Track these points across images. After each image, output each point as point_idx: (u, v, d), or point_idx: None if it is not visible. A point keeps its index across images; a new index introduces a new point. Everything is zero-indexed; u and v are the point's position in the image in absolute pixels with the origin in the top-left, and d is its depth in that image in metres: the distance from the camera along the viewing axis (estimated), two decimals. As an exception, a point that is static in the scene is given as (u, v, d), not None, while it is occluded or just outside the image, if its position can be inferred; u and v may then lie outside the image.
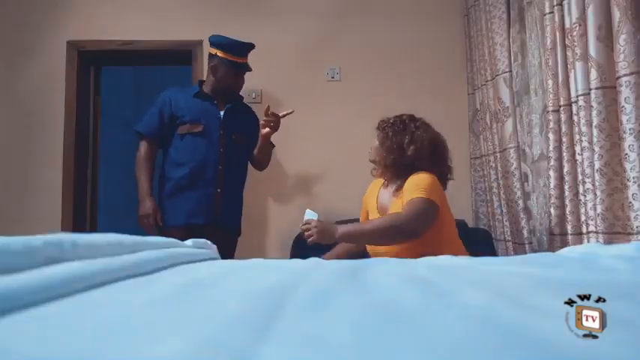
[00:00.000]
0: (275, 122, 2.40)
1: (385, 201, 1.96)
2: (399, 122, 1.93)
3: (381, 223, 1.74)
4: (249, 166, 2.75)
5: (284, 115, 2.41)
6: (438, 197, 1.78)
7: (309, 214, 1.84)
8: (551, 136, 2.12)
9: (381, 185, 2.02)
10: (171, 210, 2.46)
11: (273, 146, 2.70)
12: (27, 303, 0.49)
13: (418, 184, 1.78)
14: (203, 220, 2.42)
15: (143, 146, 2.53)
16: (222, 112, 2.54)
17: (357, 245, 1.97)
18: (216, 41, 2.60)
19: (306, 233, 1.76)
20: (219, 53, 2.57)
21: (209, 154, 2.45)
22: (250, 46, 2.63)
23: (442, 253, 1.63)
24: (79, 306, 0.53)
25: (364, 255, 1.94)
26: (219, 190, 2.46)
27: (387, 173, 1.93)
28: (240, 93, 2.74)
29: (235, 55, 2.57)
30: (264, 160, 2.69)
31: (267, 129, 2.40)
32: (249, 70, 2.66)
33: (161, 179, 2.53)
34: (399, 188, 1.87)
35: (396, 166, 1.88)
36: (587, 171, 1.88)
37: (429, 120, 1.79)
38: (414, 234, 1.72)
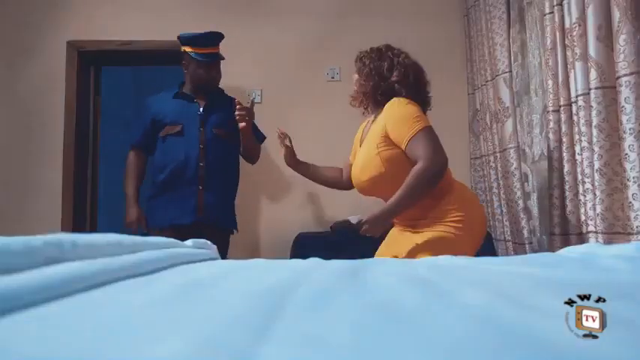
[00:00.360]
0: (248, 113, 2.40)
1: (366, 134, 1.94)
2: (375, 50, 1.92)
3: (410, 182, 1.69)
4: (248, 165, 2.75)
5: (252, 105, 2.42)
6: (424, 118, 1.77)
7: (354, 219, 1.87)
8: (551, 136, 2.12)
9: (367, 122, 2.02)
10: (155, 212, 2.49)
11: (261, 140, 2.71)
12: (27, 303, 0.49)
13: (405, 115, 1.74)
14: (188, 219, 2.40)
15: (130, 155, 2.61)
16: (202, 109, 2.54)
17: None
18: (183, 37, 2.62)
19: (367, 234, 1.75)
20: (187, 49, 2.59)
21: (189, 152, 2.45)
22: (215, 35, 2.62)
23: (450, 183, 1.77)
24: (79, 306, 0.53)
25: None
26: (200, 188, 2.44)
27: (366, 101, 1.90)
28: (240, 93, 2.74)
29: (201, 46, 2.57)
30: (252, 154, 2.67)
31: (243, 123, 2.39)
32: (219, 58, 2.63)
33: (151, 184, 2.57)
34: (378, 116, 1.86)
35: (376, 93, 1.86)
36: (587, 171, 1.88)
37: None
38: (444, 166, 1.70)
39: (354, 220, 1.84)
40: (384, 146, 1.76)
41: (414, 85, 1.87)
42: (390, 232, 1.95)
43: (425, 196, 1.72)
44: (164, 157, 2.48)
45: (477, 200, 1.96)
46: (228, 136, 2.55)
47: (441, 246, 1.70)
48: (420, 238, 1.77)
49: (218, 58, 2.62)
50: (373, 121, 1.91)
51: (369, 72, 1.87)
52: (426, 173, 1.67)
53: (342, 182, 2.18)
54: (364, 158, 1.85)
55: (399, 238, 1.87)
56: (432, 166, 1.67)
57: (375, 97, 1.87)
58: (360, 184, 1.88)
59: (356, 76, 1.94)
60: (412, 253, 1.74)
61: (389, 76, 1.85)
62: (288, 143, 2.17)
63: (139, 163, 2.59)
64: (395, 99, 1.79)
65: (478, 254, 1.56)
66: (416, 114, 1.74)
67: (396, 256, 1.76)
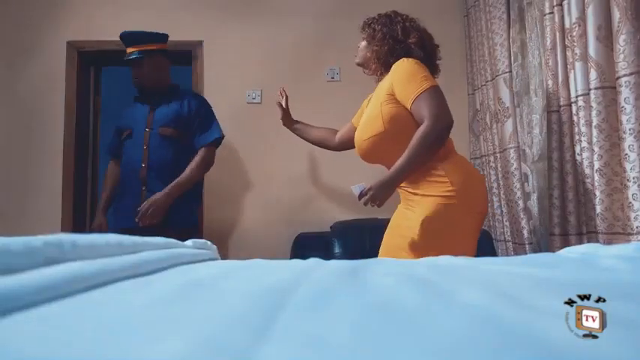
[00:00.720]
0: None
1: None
2: (384, 16, 1.92)
3: (415, 142, 1.68)
4: (248, 166, 2.75)
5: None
6: (431, 77, 1.75)
7: (357, 189, 1.84)
8: (551, 136, 2.12)
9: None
10: (110, 217, 2.57)
11: (213, 141, 2.57)
12: (27, 303, 0.49)
13: (412, 73, 1.73)
14: (132, 222, 2.34)
15: (109, 164, 2.72)
16: (149, 109, 2.54)
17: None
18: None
19: (371, 204, 1.74)
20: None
21: (134, 154, 2.46)
22: (132, 35, 2.57)
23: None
24: (80, 306, 0.53)
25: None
26: (143, 189, 2.42)
27: (381, 67, 1.88)
28: (240, 93, 2.73)
29: (126, 46, 2.58)
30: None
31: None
32: (131, 58, 2.53)
33: None
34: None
35: (391, 57, 1.85)
36: (587, 171, 1.88)
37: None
38: (449, 126, 1.69)
39: (356, 190, 1.82)
40: (387, 104, 1.76)
41: (429, 47, 1.89)
42: (394, 215, 1.92)
43: (430, 159, 1.71)
44: (122, 162, 2.55)
45: (476, 173, 1.91)
46: (176, 134, 2.49)
47: (436, 222, 1.68)
48: (415, 220, 1.72)
49: (136, 57, 2.52)
50: (378, 84, 1.91)
51: (383, 36, 1.86)
52: (433, 132, 1.66)
53: (331, 142, 2.24)
54: (367, 117, 1.85)
55: (398, 221, 1.85)
56: (437, 126, 1.66)
57: (388, 61, 1.85)
58: (361, 145, 1.87)
59: (364, 43, 1.94)
60: (412, 238, 1.70)
61: (404, 40, 1.85)
62: (283, 104, 2.29)
63: (112, 171, 2.67)
64: (404, 59, 1.79)
65: (478, 255, 1.55)
66: (423, 73, 1.73)
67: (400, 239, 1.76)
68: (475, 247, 1.75)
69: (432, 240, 1.69)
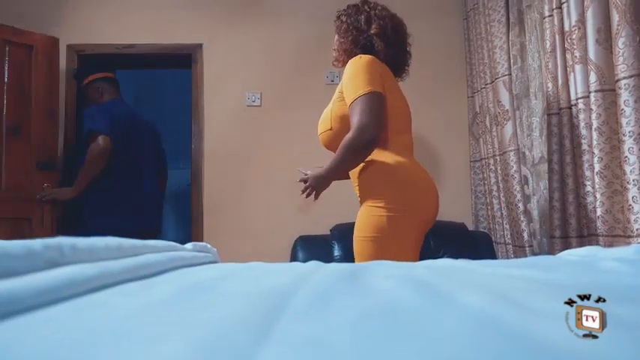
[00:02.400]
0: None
1: None
2: (352, 6, 1.88)
3: (339, 151, 1.66)
4: (246, 168, 2.74)
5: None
6: (379, 83, 1.68)
7: (303, 172, 1.89)
8: (551, 138, 2.12)
9: None
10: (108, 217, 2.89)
11: (86, 135, 2.89)
12: (27, 306, 0.49)
13: (355, 75, 1.68)
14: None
15: None
16: None
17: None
18: None
19: (306, 196, 1.79)
20: None
21: None
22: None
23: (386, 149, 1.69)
24: (80, 309, 0.53)
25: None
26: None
27: (347, 59, 1.81)
28: (240, 96, 2.73)
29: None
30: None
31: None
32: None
33: None
34: None
35: (355, 49, 1.81)
36: (587, 174, 1.88)
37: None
38: (372, 139, 1.62)
39: (301, 173, 1.87)
40: (338, 101, 1.75)
41: (393, 37, 1.81)
42: None
43: (358, 163, 1.71)
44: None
45: (421, 180, 1.75)
46: (86, 142, 2.83)
47: (366, 215, 1.69)
48: (360, 213, 1.75)
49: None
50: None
51: (347, 27, 1.83)
52: (355, 144, 1.63)
53: None
54: (323, 113, 1.85)
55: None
56: (360, 138, 1.62)
57: (353, 52, 1.81)
58: (319, 138, 1.88)
59: (336, 36, 1.91)
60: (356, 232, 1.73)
61: (366, 29, 1.80)
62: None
63: None
64: (358, 55, 1.74)
65: (478, 257, 1.55)
66: (367, 75, 1.66)
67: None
68: (414, 251, 1.71)
69: (359, 233, 1.71)
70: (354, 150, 1.64)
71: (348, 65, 1.74)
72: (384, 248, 1.64)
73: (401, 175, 1.71)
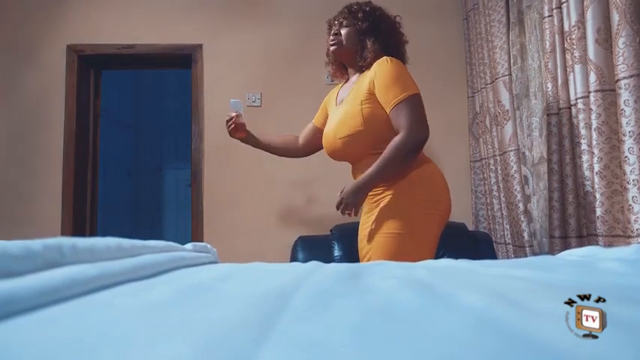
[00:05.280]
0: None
1: (346, 93, 1.90)
2: (377, 9, 1.88)
3: (388, 154, 1.66)
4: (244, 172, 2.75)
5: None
6: (415, 85, 1.72)
7: (234, 105, 1.89)
8: (550, 138, 2.12)
9: (341, 86, 1.99)
10: None
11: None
12: (27, 307, 0.49)
13: (395, 77, 1.69)
14: None
15: None
16: None
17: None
18: None
19: (347, 213, 1.73)
20: None
21: None
22: None
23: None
24: (80, 310, 0.53)
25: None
26: None
27: (374, 60, 1.79)
28: (240, 96, 2.73)
29: None
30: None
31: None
32: None
33: None
34: (363, 73, 1.82)
35: (371, 50, 1.80)
36: (587, 174, 1.88)
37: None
38: (424, 140, 1.67)
39: (235, 106, 1.92)
40: (368, 103, 1.72)
41: (400, 42, 1.87)
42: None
43: (403, 169, 1.70)
44: None
45: (440, 177, 1.82)
46: None
47: (393, 212, 1.69)
48: (375, 212, 1.75)
49: None
50: (356, 81, 1.86)
51: (383, 29, 1.83)
52: (407, 145, 1.64)
53: (296, 147, 2.16)
54: (343, 115, 1.79)
55: (364, 218, 1.86)
56: (413, 139, 1.64)
57: (380, 55, 1.79)
58: (334, 143, 1.82)
59: (350, 29, 1.85)
60: (377, 222, 1.73)
61: (395, 33, 1.85)
62: (240, 119, 2.10)
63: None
64: (386, 58, 1.75)
65: (478, 257, 1.55)
66: (406, 78, 1.70)
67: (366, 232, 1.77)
68: (434, 249, 1.74)
69: (387, 230, 1.69)
70: (407, 152, 1.65)
71: (379, 68, 1.73)
72: (412, 245, 1.66)
73: (430, 173, 1.77)
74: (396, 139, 1.65)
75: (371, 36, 1.82)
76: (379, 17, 1.85)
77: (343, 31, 1.87)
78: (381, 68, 1.72)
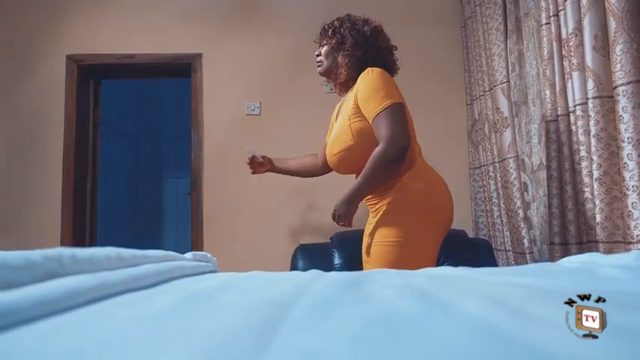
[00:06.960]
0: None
1: (341, 109, 1.91)
2: (347, 20, 1.87)
3: (369, 165, 1.66)
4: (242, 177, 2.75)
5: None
6: (397, 93, 1.70)
7: (248, 151, 1.94)
8: (549, 145, 2.12)
9: (342, 100, 1.99)
10: None
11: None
12: (27, 318, 0.49)
13: (375, 87, 1.68)
14: None
15: None
16: None
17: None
18: None
19: (341, 224, 1.72)
20: None
21: None
22: None
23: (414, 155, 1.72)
24: (80, 320, 0.52)
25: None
26: None
27: (355, 74, 1.80)
28: (239, 105, 2.72)
29: None
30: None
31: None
32: None
33: None
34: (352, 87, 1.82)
35: (366, 62, 1.80)
36: (586, 180, 1.88)
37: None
38: (404, 150, 1.64)
39: (249, 151, 1.95)
40: (356, 117, 1.72)
41: (381, 51, 1.85)
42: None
43: (388, 177, 1.69)
44: None
45: (440, 184, 1.81)
46: None
47: (391, 221, 1.69)
48: (373, 222, 1.76)
49: None
50: (346, 96, 1.88)
51: (355, 41, 1.81)
52: (386, 156, 1.63)
53: (317, 166, 2.18)
54: (337, 131, 1.81)
55: (366, 228, 1.86)
56: (391, 149, 1.63)
57: (361, 67, 1.79)
58: (331, 159, 1.84)
59: (325, 49, 1.88)
60: (373, 232, 1.73)
61: (373, 43, 1.82)
62: (260, 158, 2.16)
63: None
64: (369, 69, 1.74)
65: (479, 265, 1.55)
66: (387, 88, 1.68)
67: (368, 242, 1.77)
68: (435, 257, 1.73)
69: (385, 239, 1.70)
70: (386, 161, 1.63)
71: (362, 79, 1.73)
72: (411, 254, 1.66)
73: (428, 181, 1.76)
74: (377, 150, 1.65)
75: (339, 51, 1.84)
76: (346, 30, 1.84)
77: (322, 51, 1.91)
78: (362, 80, 1.73)
